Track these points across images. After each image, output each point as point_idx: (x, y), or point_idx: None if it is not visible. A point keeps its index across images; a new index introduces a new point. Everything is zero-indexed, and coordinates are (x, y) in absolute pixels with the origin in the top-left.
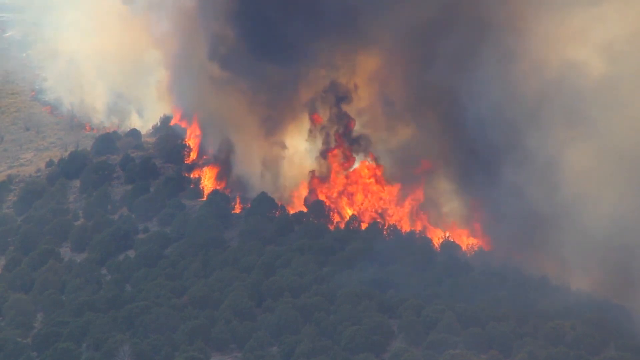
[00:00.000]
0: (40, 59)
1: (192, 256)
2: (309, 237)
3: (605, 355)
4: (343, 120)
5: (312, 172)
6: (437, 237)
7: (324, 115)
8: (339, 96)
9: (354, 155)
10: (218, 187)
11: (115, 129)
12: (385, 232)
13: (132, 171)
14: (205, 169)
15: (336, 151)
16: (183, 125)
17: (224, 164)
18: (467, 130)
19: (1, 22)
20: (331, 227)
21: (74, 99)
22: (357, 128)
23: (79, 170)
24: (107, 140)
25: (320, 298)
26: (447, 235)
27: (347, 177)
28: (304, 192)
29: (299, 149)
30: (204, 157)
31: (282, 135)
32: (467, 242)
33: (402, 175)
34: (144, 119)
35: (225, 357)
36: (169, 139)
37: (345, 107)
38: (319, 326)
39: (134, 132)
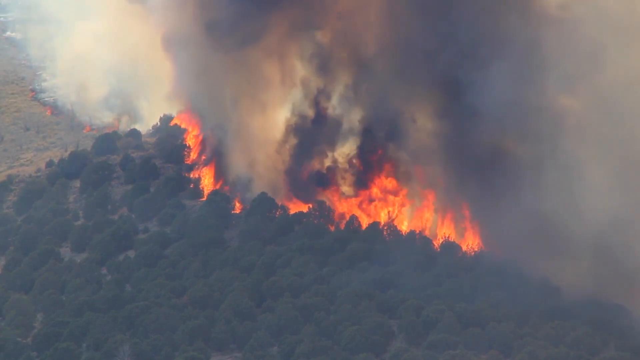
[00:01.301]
0: (40, 59)
1: (192, 256)
2: (309, 237)
3: (605, 355)
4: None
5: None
6: (439, 237)
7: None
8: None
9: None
10: (217, 186)
11: (115, 129)
12: (385, 232)
13: (132, 171)
14: (205, 169)
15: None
16: (183, 122)
17: (221, 151)
18: (469, 125)
19: (1, 22)
20: (331, 227)
21: (74, 93)
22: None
23: (79, 170)
24: (107, 140)
25: (320, 298)
26: (447, 235)
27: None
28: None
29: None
30: (203, 156)
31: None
32: (468, 242)
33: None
34: (149, 107)
35: (225, 357)
36: (169, 139)
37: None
38: (319, 326)
39: (134, 132)
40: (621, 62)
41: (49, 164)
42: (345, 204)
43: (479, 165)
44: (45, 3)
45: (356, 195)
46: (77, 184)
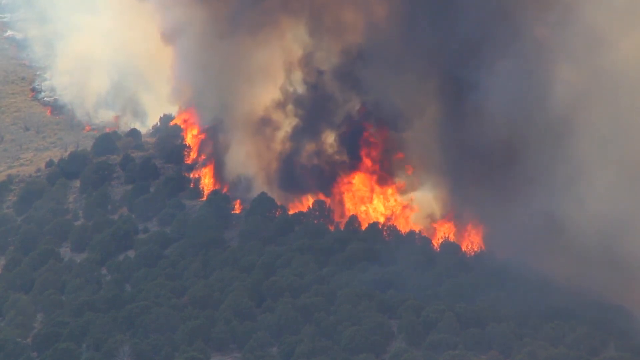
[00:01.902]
0: (40, 58)
1: (192, 256)
2: (309, 237)
3: (605, 355)
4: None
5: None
6: (438, 237)
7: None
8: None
9: None
10: (216, 186)
11: (115, 128)
12: (385, 233)
13: (132, 171)
14: (205, 169)
15: None
16: (184, 119)
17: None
18: (471, 125)
19: (1, 22)
20: (331, 228)
21: (75, 93)
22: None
23: (79, 170)
24: (107, 140)
25: (320, 298)
26: (447, 235)
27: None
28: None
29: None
30: (203, 155)
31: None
32: (469, 242)
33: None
34: (151, 104)
35: (225, 357)
36: (169, 139)
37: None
38: (319, 326)
39: (134, 132)
40: (631, 60)
41: (49, 164)
42: (344, 196)
43: (481, 164)
44: (46, 2)
45: (355, 186)
46: (77, 184)
